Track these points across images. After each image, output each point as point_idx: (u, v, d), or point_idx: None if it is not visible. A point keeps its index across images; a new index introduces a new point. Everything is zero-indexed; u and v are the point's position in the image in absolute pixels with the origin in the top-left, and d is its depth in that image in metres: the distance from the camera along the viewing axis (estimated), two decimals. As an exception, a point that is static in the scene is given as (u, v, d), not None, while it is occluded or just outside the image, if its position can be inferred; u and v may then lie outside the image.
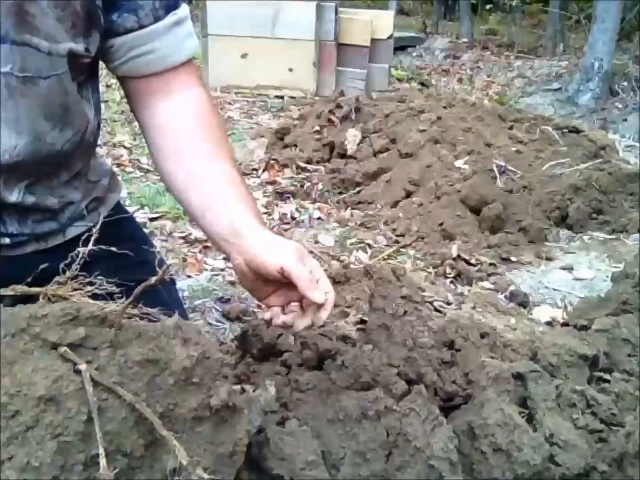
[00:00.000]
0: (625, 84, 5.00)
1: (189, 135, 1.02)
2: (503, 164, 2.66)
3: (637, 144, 3.91)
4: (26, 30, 0.86)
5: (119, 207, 1.28)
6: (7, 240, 1.03)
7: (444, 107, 3.27)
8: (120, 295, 0.68)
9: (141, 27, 0.98)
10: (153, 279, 0.60)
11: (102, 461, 0.53)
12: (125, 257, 0.80)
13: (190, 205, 1.01)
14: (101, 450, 0.53)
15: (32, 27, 0.87)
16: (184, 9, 1.03)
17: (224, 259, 2.14)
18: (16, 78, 0.88)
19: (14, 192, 0.99)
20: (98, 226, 0.72)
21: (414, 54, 7.26)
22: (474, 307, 1.80)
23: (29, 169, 0.98)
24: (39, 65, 0.89)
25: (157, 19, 0.99)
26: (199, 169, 1.00)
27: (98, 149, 1.24)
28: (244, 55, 4.66)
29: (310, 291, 0.88)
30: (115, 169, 2.88)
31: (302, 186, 2.84)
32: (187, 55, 1.05)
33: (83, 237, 0.69)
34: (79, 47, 0.93)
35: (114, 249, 0.70)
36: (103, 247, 0.67)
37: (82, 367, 0.56)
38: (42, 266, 0.70)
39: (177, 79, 1.04)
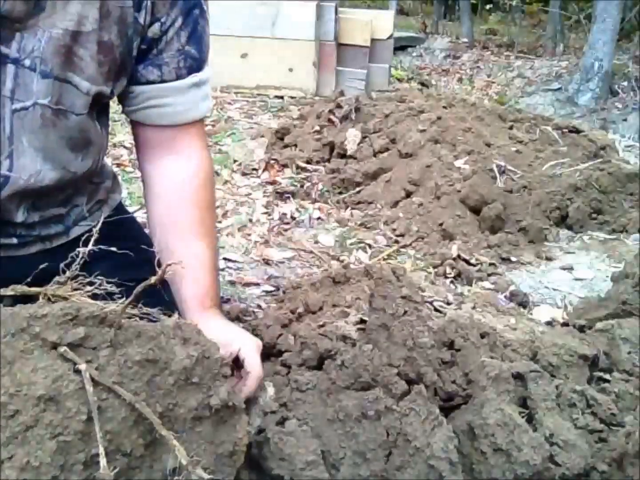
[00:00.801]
0: (625, 84, 5.00)
1: (176, 210, 1.10)
2: (503, 164, 2.66)
3: (637, 144, 3.91)
4: (70, 69, 0.93)
5: (120, 208, 1.29)
6: (14, 240, 1.06)
7: (444, 107, 3.27)
8: (120, 295, 0.68)
9: (162, 81, 1.03)
10: (153, 279, 0.60)
11: (103, 461, 0.52)
12: (127, 256, 0.81)
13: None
14: (101, 450, 0.53)
15: (76, 67, 0.93)
16: (206, 72, 1.09)
17: (224, 259, 2.14)
18: (51, 110, 0.94)
19: (19, 213, 1.02)
20: (98, 226, 0.72)
21: (414, 54, 7.26)
22: (474, 307, 1.80)
23: (44, 192, 1.02)
24: (75, 102, 0.96)
25: (178, 77, 1.04)
26: (173, 244, 1.08)
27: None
28: (243, 55, 4.65)
29: None
30: (116, 169, 2.88)
31: (302, 186, 2.83)
32: (199, 116, 1.11)
33: (84, 237, 0.69)
34: (107, 89, 1.00)
35: (114, 249, 0.70)
36: (103, 247, 0.67)
37: (82, 366, 0.56)
38: (42, 265, 0.70)
39: (184, 138, 1.10)
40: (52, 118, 0.95)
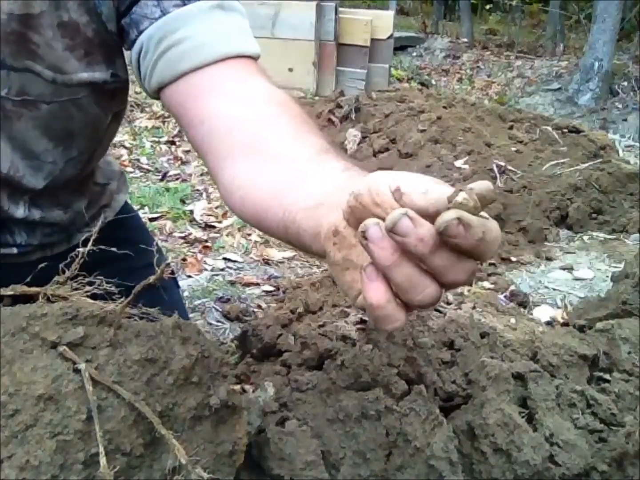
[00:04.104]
0: (625, 84, 5.00)
1: (260, 121, 0.76)
2: (503, 164, 2.66)
3: (637, 144, 3.91)
4: (28, 57, 0.82)
5: (124, 208, 1.26)
6: (14, 250, 1.03)
7: (444, 107, 3.27)
8: (120, 296, 0.67)
9: (164, 11, 0.79)
10: (151, 278, 0.59)
11: (102, 460, 0.52)
12: (129, 261, 0.80)
13: (268, 194, 0.70)
14: (101, 449, 0.53)
15: (36, 56, 0.82)
16: (234, 3, 0.83)
17: (224, 259, 2.14)
18: (12, 101, 0.85)
19: (19, 207, 0.98)
20: (97, 227, 0.70)
21: (414, 54, 7.27)
22: (474, 307, 1.80)
23: (35, 187, 0.97)
24: (41, 91, 0.85)
25: (185, 2, 0.80)
26: (280, 151, 0.72)
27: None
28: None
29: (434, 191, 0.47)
30: (115, 168, 2.87)
31: (302, 186, 2.83)
32: (238, 50, 0.80)
33: (82, 238, 0.69)
34: (99, 75, 0.87)
35: (114, 249, 0.70)
36: (103, 247, 0.67)
37: (82, 366, 0.56)
38: (41, 265, 0.70)
39: (224, 73, 0.79)
40: (17, 110, 0.85)
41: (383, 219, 0.48)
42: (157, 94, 0.84)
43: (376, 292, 0.49)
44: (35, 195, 0.99)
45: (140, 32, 0.80)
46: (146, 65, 0.81)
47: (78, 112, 0.91)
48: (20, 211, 0.98)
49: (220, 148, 0.76)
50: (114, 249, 0.68)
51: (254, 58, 0.82)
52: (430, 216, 0.46)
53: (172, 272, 1.42)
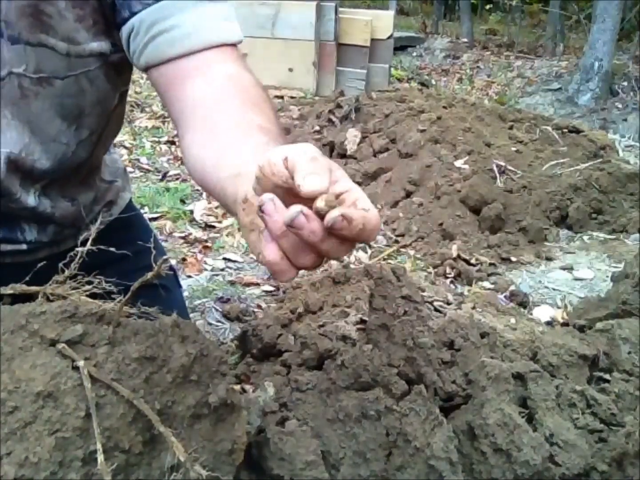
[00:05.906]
0: (625, 84, 5.01)
1: (216, 100, 0.85)
2: (503, 163, 2.66)
3: (637, 144, 3.91)
4: (42, 30, 0.84)
5: (130, 206, 1.26)
6: (23, 247, 1.04)
7: (444, 107, 3.27)
8: (119, 294, 0.67)
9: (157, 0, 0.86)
10: (149, 274, 0.59)
11: (100, 457, 0.52)
12: (135, 260, 0.80)
13: (208, 164, 0.80)
14: (99, 446, 0.53)
15: (49, 28, 0.84)
16: None
17: (224, 259, 2.14)
18: (29, 79, 0.87)
19: (30, 195, 0.98)
20: (95, 226, 0.70)
21: (414, 54, 7.27)
22: (474, 307, 1.80)
23: (46, 173, 0.97)
24: (56, 66, 0.87)
25: None
26: (222, 126, 0.81)
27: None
28: (244, 55, 4.66)
29: (307, 174, 0.55)
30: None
31: (302, 186, 2.83)
32: (221, 39, 0.90)
33: (92, 237, 0.68)
34: (104, 45, 0.90)
35: (113, 249, 0.69)
36: (106, 249, 0.66)
37: (80, 363, 0.56)
38: (40, 265, 0.70)
39: (207, 60, 0.88)
40: (34, 88, 0.88)
41: (280, 186, 0.58)
42: (144, 71, 0.91)
43: (271, 252, 0.59)
44: (45, 185, 1.00)
45: (133, 14, 0.86)
46: (136, 45, 0.87)
47: (90, 87, 0.94)
48: (31, 199, 0.99)
49: (187, 124, 0.85)
50: (117, 251, 0.68)
51: (235, 44, 0.94)
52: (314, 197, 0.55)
53: (173, 271, 1.41)
